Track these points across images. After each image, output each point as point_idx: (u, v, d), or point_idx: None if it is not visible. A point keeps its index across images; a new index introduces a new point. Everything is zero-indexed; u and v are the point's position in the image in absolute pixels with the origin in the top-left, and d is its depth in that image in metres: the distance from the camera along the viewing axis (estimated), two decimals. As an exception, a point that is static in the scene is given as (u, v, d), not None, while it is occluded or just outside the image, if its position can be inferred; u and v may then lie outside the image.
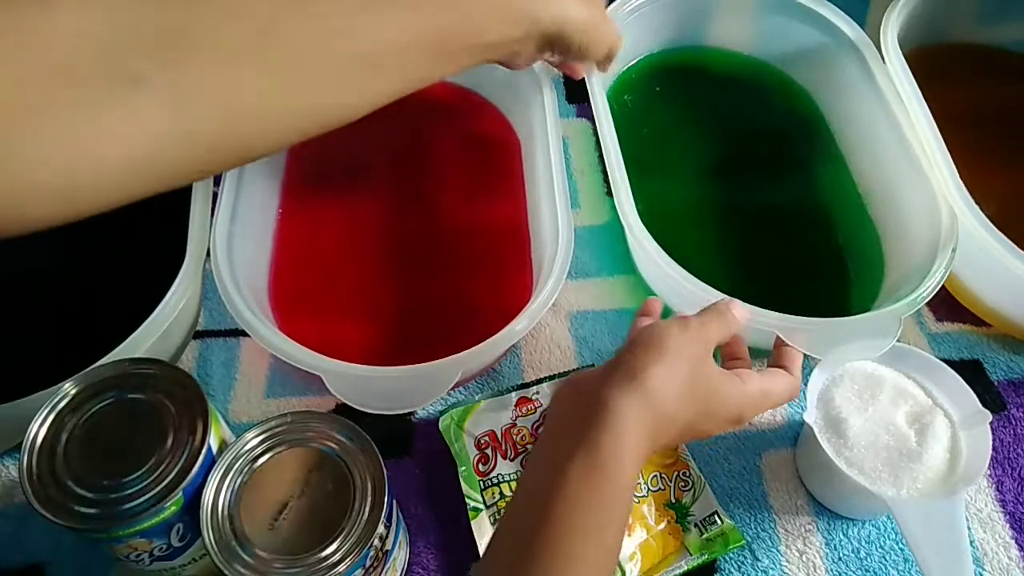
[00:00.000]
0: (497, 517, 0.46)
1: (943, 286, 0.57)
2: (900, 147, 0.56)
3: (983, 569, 0.47)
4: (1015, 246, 0.49)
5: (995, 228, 0.50)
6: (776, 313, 0.46)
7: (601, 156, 0.63)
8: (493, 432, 0.49)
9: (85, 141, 0.32)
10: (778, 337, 0.46)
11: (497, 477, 0.47)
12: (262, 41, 0.36)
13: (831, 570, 0.46)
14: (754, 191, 0.62)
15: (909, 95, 0.57)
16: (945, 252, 0.50)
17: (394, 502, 0.41)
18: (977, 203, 0.51)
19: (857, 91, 0.61)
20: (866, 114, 0.60)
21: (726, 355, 0.45)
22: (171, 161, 0.35)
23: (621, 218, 0.50)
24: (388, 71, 0.42)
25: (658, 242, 0.49)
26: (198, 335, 0.55)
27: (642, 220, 0.50)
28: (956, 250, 0.50)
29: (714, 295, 0.47)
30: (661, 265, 0.49)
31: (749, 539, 0.47)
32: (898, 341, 0.51)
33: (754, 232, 0.59)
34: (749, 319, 0.44)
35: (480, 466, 0.48)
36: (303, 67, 0.38)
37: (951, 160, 0.53)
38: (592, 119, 0.58)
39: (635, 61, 0.68)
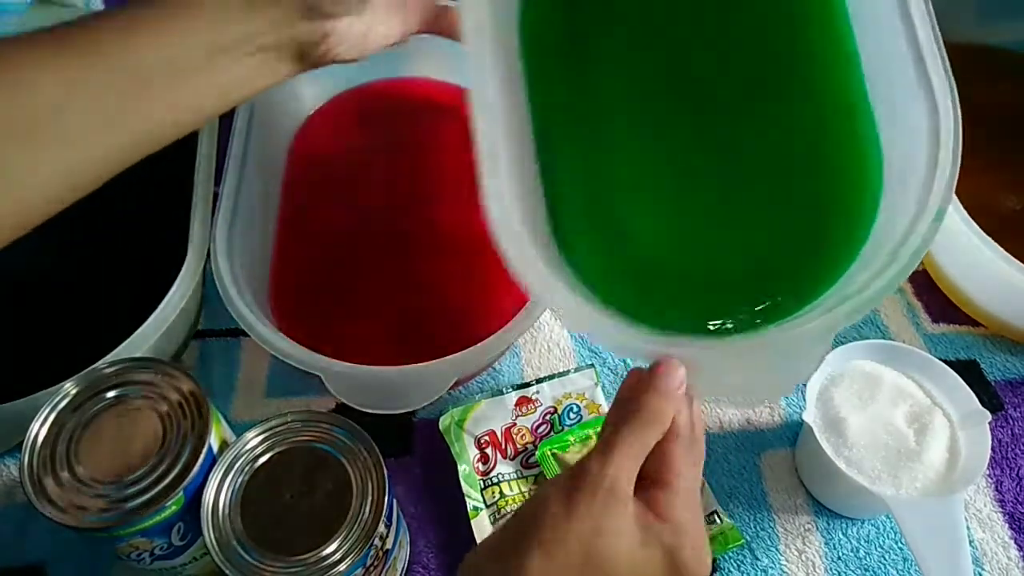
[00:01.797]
0: (497, 517, 0.46)
1: (938, 287, 0.58)
2: (916, 54, 0.39)
3: (982, 569, 0.47)
4: (1003, 250, 0.49)
5: (983, 232, 0.50)
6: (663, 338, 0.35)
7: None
8: (493, 432, 0.49)
9: None
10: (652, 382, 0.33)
11: (497, 477, 0.47)
12: None
13: (830, 569, 0.46)
14: (735, 112, 0.42)
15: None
16: (915, 239, 0.35)
17: (394, 502, 0.41)
18: (977, 204, 0.51)
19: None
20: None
21: (647, 471, 0.33)
22: None
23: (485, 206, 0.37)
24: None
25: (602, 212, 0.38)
26: (198, 335, 0.55)
27: (573, 208, 0.39)
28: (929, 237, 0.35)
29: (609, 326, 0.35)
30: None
31: (748, 538, 0.47)
32: (896, 341, 0.51)
33: (725, 169, 0.41)
34: (683, 389, 0.33)
35: (480, 466, 0.48)
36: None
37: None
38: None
39: None
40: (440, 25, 0.47)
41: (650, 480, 0.33)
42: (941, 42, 0.39)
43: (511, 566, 0.30)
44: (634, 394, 0.33)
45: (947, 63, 0.38)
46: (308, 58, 0.42)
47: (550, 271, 0.36)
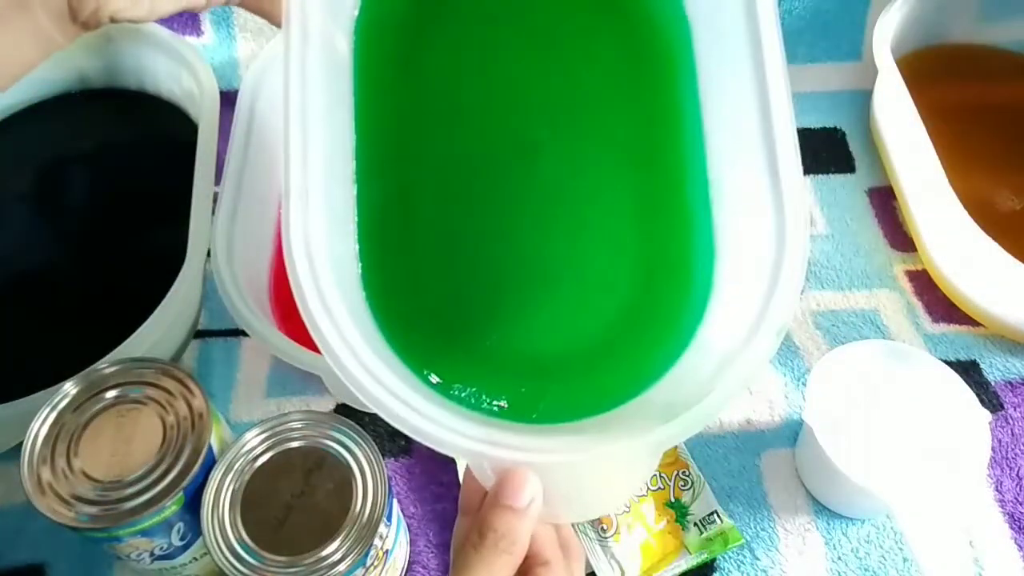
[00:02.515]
0: (496, 517, 0.46)
1: (937, 288, 0.58)
2: (765, 136, 0.32)
3: (982, 569, 0.47)
4: (1003, 250, 0.49)
5: (983, 232, 0.50)
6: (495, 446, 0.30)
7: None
8: (493, 432, 0.49)
9: None
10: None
11: (497, 477, 0.47)
12: None
13: (830, 569, 0.46)
14: (563, 164, 0.37)
15: (900, 100, 0.56)
16: (764, 341, 0.30)
17: (394, 502, 0.41)
18: (977, 204, 0.51)
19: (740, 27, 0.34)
20: (743, 67, 0.34)
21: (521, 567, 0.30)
22: None
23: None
24: None
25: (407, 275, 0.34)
26: (198, 335, 0.55)
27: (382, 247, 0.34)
28: (780, 337, 0.30)
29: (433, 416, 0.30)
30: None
31: (748, 538, 0.47)
32: (896, 341, 0.51)
33: (550, 228, 0.37)
34: (539, 502, 0.29)
35: (480, 466, 0.48)
36: None
37: (939, 164, 0.53)
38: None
39: None
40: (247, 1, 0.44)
41: (523, 570, 0.30)
42: (796, 144, 0.32)
43: None
44: (480, 508, 0.29)
45: (800, 167, 0.32)
46: (79, 16, 0.38)
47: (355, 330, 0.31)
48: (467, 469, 0.31)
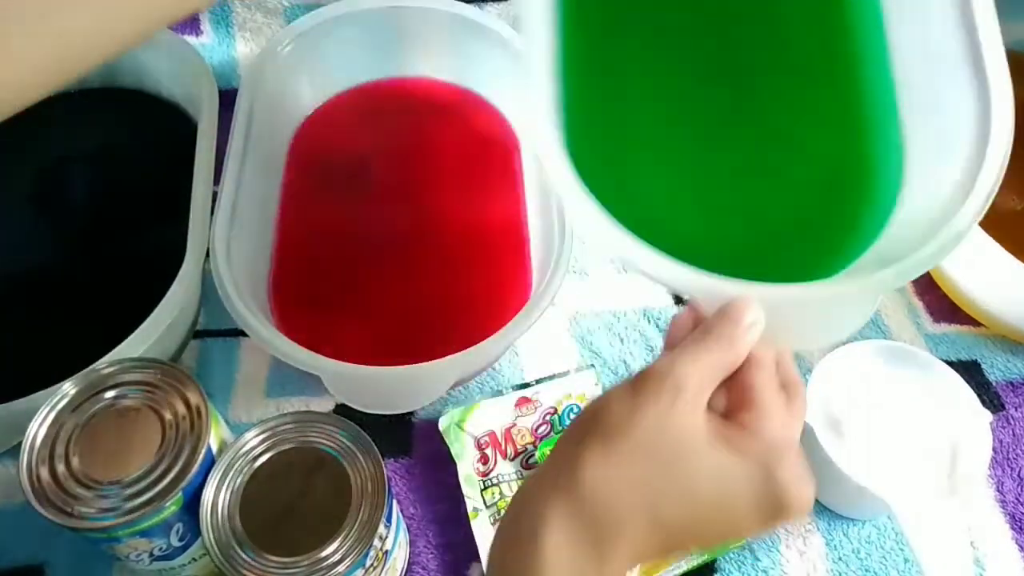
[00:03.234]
0: (497, 517, 0.46)
1: (938, 287, 0.58)
2: (966, 32, 0.38)
3: (983, 569, 0.47)
4: (1004, 250, 0.49)
5: (984, 232, 0.50)
6: (721, 278, 0.32)
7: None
8: (493, 432, 0.49)
9: None
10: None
11: (497, 477, 0.47)
12: None
13: (831, 570, 0.46)
14: (757, 82, 0.43)
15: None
16: (977, 199, 0.34)
17: (394, 502, 0.41)
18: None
19: None
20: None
21: (730, 403, 0.30)
22: None
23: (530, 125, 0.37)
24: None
25: (618, 173, 0.37)
26: (198, 335, 0.55)
27: (580, 137, 0.37)
28: (990, 199, 0.34)
29: (667, 266, 0.32)
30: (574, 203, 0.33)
31: (749, 539, 0.47)
32: (897, 341, 0.51)
33: (743, 138, 0.42)
34: (760, 327, 0.30)
35: (480, 466, 0.48)
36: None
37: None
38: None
39: None
40: None
41: (733, 409, 0.30)
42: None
43: (568, 456, 0.28)
44: (699, 324, 0.30)
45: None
46: None
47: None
48: (679, 314, 0.32)
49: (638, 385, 0.29)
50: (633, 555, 0.28)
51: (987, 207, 0.34)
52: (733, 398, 0.30)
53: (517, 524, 0.29)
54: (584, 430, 0.29)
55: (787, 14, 0.43)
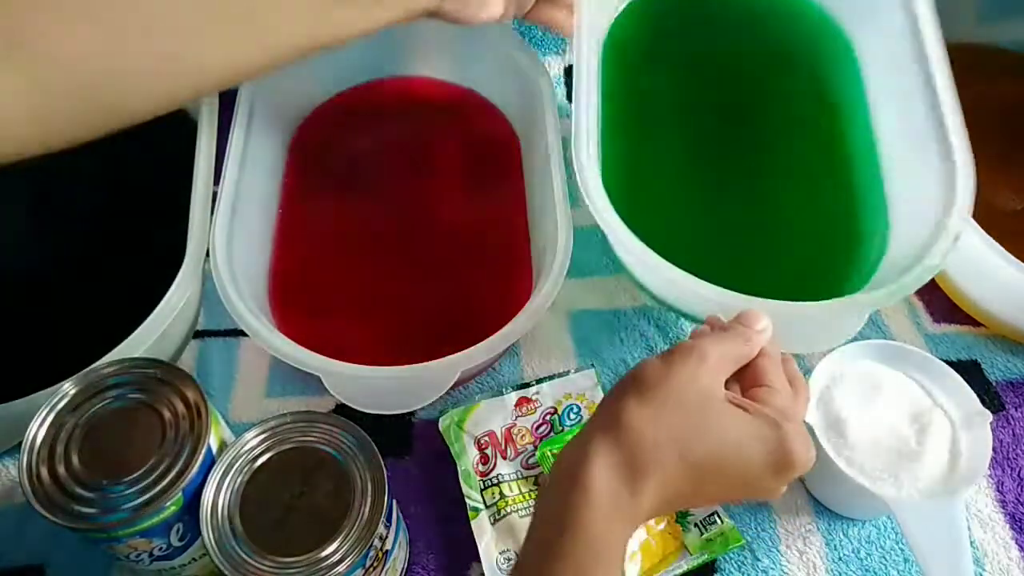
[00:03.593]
0: (497, 517, 0.46)
1: (939, 287, 0.58)
2: (930, 104, 0.49)
3: (983, 569, 0.47)
4: (1004, 250, 0.49)
5: (984, 232, 0.50)
6: (716, 289, 0.43)
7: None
8: (493, 432, 0.49)
9: None
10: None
11: (497, 477, 0.47)
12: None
13: (831, 570, 0.46)
14: (762, 141, 0.56)
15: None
16: (946, 240, 0.44)
17: (394, 502, 0.41)
18: (977, 204, 0.51)
19: (901, 41, 0.53)
20: (904, 68, 0.52)
21: (744, 385, 0.37)
22: (27, 123, 0.35)
23: (576, 170, 0.46)
24: (270, 22, 0.39)
25: (634, 200, 0.46)
26: (198, 335, 0.55)
27: (615, 177, 0.47)
28: (958, 239, 0.45)
29: (693, 282, 0.43)
30: (616, 233, 0.44)
31: (749, 539, 0.47)
32: (896, 341, 0.51)
33: (753, 189, 0.54)
34: (769, 332, 0.37)
35: (480, 466, 0.48)
36: (158, 24, 0.36)
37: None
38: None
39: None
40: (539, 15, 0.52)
41: (746, 388, 0.36)
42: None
43: (610, 407, 0.34)
44: (730, 323, 0.37)
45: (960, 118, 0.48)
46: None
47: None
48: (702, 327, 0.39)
49: (668, 356, 0.35)
50: (663, 486, 0.32)
51: (954, 247, 0.44)
52: (746, 382, 0.36)
53: (564, 463, 0.34)
54: (623, 390, 0.34)
55: (794, 113, 0.55)
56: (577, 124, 0.48)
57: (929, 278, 0.44)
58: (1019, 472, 0.50)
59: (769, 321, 0.37)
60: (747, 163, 0.55)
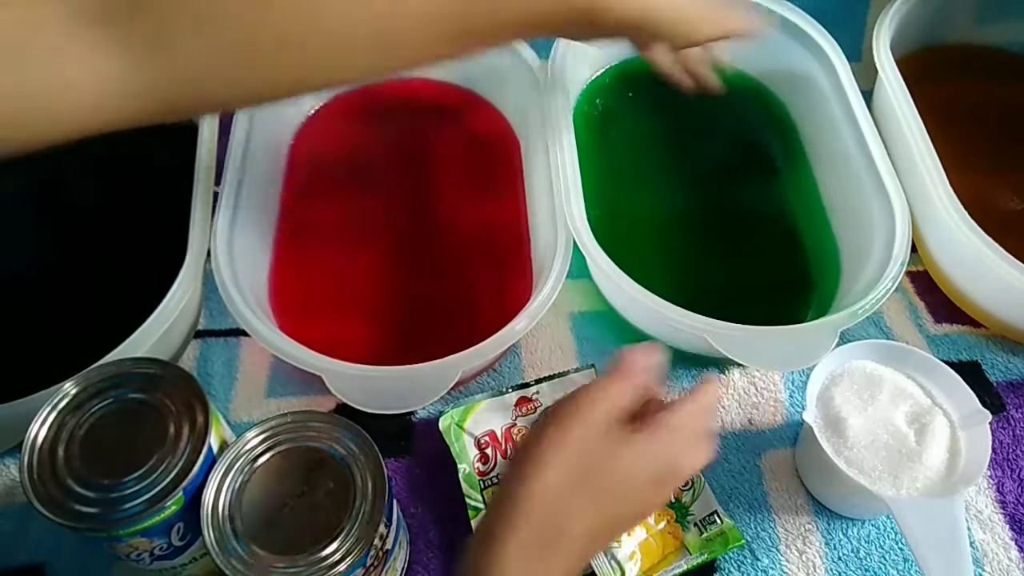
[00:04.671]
0: (497, 517, 0.46)
1: (939, 288, 0.58)
2: (865, 161, 0.56)
3: (983, 569, 0.47)
4: (1004, 250, 0.49)
5: (984, 232, 0.50)
6: (703, 317, 0.47)
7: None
8: (493, 432, 0.49)
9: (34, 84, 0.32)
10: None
11: (497, 477, 0.47)
12: (219, 9, 0.34)
13: (831, 570, 0.46)
14: (721, 199, 0.61)
15: (900, 101, 0.57)
16: (893, 267, 0.50)
17: (394, 502, 0.41)
18: (977, 204, 0.51)
19: (829, 104, 0.60)
20: (835, 128, 0.59)
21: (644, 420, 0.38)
22: (126, 110, 0.34)
23: (570, 225, 0.50)
24: (400, 48, 0.39)
25: (616, 249, 0.50)
26: (199, 335, 0.55)
27: (599, 226, 0.51)
28: (904, 265, 0.50)
29: (663, 305, 0.47)
30: (611, 276, 0.49)
31: (749, 539, 0.47)
32: (897, 342, 0.51)
33: (718, 240, 0.59)
34: (653, 364, 0.39)
35: (480, 466, 0.48)
36: (284, 43, 0.35)
37: (939, 164, 0.53)
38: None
39: (609, 66, 0.67)
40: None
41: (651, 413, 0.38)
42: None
43: (510, 489, 0.35)
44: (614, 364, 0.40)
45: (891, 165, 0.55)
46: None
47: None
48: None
49: (555, 424, 0.36)
50: (582, 538, 0.35)
51: (901, 274, 0.50)
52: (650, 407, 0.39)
53: (472, 559, 0.35)
54: (523, 461, 0.36)
55: (743, 179, 0.63)
56: (566, 185, 0.52)
57: (885, 299, 0.48)
58: (1019, 473, 0.50)
59: (653, 358, 0.39)
60: (709, 224, 0.60)
